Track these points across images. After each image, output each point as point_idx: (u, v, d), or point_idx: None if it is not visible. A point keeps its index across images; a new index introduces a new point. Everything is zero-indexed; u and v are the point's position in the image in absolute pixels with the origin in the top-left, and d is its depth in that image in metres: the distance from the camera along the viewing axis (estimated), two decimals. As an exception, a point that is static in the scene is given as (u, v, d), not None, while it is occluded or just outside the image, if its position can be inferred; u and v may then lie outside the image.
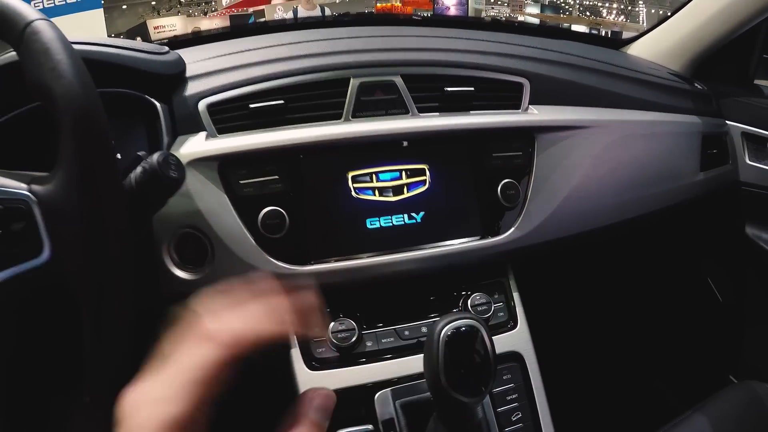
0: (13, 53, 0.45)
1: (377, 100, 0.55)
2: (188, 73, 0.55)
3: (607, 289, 0.95)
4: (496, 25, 0.76)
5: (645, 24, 0.95)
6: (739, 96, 0.81)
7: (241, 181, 0.51)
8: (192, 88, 0.53)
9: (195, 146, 0.50)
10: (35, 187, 0.36)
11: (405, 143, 0.55)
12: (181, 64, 0.55)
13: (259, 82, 0.54)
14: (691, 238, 0.90)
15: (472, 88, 0.58)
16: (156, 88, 0.52)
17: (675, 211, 0.72)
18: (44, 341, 0.46)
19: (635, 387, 0.98)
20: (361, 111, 0.55)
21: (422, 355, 0.54)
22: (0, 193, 0.34)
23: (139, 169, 0.40)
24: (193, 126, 0.52)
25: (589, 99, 0.65)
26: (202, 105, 0.52)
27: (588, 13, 1.14)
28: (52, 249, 0.35)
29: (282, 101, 0.53)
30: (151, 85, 0.52)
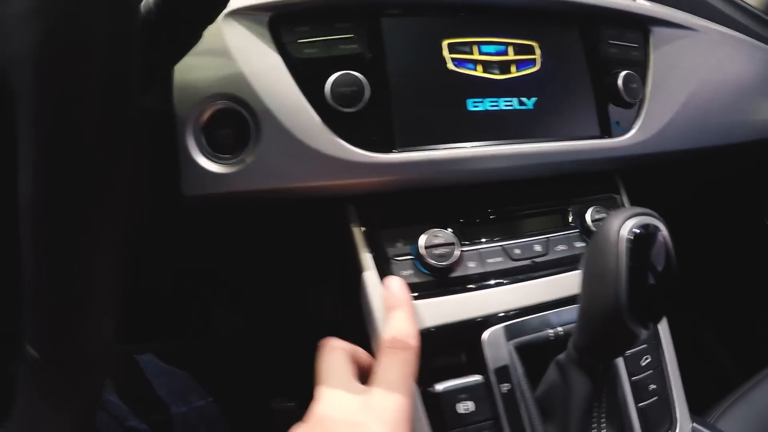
0: None
1: None
2: None
3: (688, 228, 0.86)
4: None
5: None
6: None
7: (300, 40, 0.37)
8: None
9: None
10: None
11: (509, 13, 0.43)
12: None
13: None
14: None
15: None
16: None
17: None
18: None
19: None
20: (454, -29, 0.43)
21: (536, 281, 0.41)
22: None
23: None
24: None
25: (690, 5, 0.56)
26: None
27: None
28: None
29: None
30: None
